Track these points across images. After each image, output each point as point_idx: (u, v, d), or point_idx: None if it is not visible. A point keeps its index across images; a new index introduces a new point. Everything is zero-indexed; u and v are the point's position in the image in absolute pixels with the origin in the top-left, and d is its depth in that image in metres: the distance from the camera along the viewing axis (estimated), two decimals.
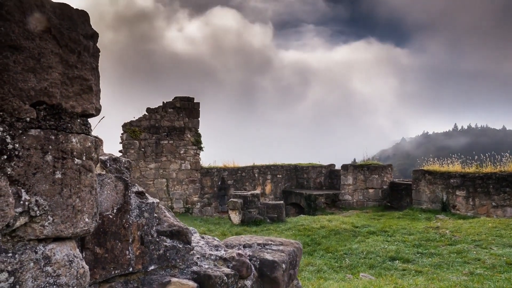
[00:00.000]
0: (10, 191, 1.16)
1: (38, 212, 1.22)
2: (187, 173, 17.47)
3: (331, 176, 19.95)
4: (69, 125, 1.36)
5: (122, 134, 16.75)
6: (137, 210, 2.08)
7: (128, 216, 2.00)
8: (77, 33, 1.39)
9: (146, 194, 2.22)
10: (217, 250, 2.62)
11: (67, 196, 1.31)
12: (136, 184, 2.20)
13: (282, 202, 13.45)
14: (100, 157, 2.02)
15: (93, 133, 1.58)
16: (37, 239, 1.24)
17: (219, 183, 18.35)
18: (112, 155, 2.12)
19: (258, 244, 3.12)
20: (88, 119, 1.50)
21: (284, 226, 11.38)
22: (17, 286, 1.15)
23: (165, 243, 2.18)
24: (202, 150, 17.84)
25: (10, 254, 1.16)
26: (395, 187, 16.99)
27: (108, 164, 2.02)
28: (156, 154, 16.92)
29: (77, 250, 1.39)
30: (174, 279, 2.06)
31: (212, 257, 2.45)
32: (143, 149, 16.76)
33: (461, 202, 13.84)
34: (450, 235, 9.73)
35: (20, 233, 1.20)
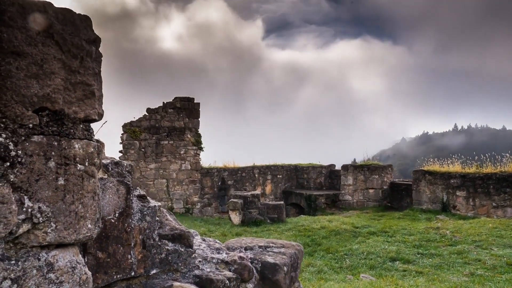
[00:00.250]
0: (13, 198, 1.15)
1: (41, 218, 1.22)
2: (187, 174, 17.47)
3: (331, 176, 19.95)
4: (72, 130, 1.35)
5: (122, 134, 16.74)
6: (139, 214, 2.07)
7: (130, 220, 2.00)
8: (79, 38, 1.39)
9: (148, 197, 2.22)
10: (218, 253, 2.62)
11: (69, 202, 1.30)
12: (138, 188, 2.20)
13: (282, 202, 13.45)
14: (102, 161, 2.01)
15: (95, 136, 1.57)
16: (40, 246, 1.24)
17: (219, 183, 18.35)
18: (114, 158, 2.11)
19: (260, 247, 3.12)
20: (91, 124, 1.49)
21: (284, 227, 11.37)
22: None
23: (167, 247, 2.17)
24: (202, 151, 17.84)
25: (13, 262, 1.16)
26: (395, 188, 17.00)
27: (110, 168, 2.01)
28: (156, 155, 16.91)
29: (80, 256, 1.39)
30: (176, 283, 2.06)
31: (214, 260, 2.45)
32: (143, 150, 16.75)
33: (462, 203, 13.84)
34: (451, 236, 9.73)
35: (23, 240, 1.20)
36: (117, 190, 1.96)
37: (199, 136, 17.69)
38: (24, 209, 1.18)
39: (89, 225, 1.37)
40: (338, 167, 19.69)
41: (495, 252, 8.16)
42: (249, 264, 2.55)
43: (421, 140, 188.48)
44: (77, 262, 1.34)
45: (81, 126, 1.40)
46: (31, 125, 1.23)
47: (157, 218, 2.21)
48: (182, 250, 2.24)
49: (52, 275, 1.24)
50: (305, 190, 19.20)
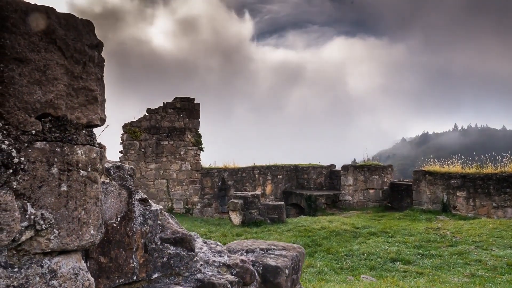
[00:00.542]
0: (16, 205, 1.15)
1: (43, 225, 1.21)
2: (188, 174, 17.47)
3: (331, 176, 19.94)
4: (75, 136, 1.35)
5: (122, 134, 16.74)
6: (141, 218, 2.07)
7: (132, 224, 1.99)
8: (82, 43, 1.38)
9: (149, 201, 2.21)
10: (220, 256, 2.61)
11: (72, 208, 1.30)
12: (140, 191, 2.19)
13: (282, 203, 13.45)
14: (104, 164, 2.01)
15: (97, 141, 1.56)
16: (42, 253, 1.23)
17: (220, 183, 18.34)
18: (116, 162, 2.11)
19: (261, 249, 3.11)
20: (93, 129, 1.49)
21: (284, 227, 11.37)
22: None
23: (168, 251, 2.17)
24: (203, 151, 17.84)
25: (16, 269, 1.15)
26: (396, 188, 17.00)
27: (111, 172, 2.01)
28: (157, 155, 16.91)
29: (83, 262, 1.38)
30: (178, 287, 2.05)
31: (216, 264, 2.44)
32: (143, 150, 16.75)
33: (462, 203, 13.84)
34: (451, 236, 9.73)
35: (25, 247, 1.19)
36: (119, 194, 1.96)
37: (199, 136, 17.69)
38: (27, 216, 1.18)
39: (92, 231, 1.37)
40: (338, 167, 19.69)
41: (496, 252, 8.16)
42: (251, 267, 2.54)
43: (421, 140, 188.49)
44: (79, 268, 1.33)
45: (83, 131, 1.39)
46: (34, 132, 1.23)
47: (158, 222, 2.20)
48: (184, 253, 2.23)
49: (55, 282, 1.23)
50: (305, 191, 19.20)
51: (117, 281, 1.85)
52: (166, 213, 2.42)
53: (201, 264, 2.37)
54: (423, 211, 14.41)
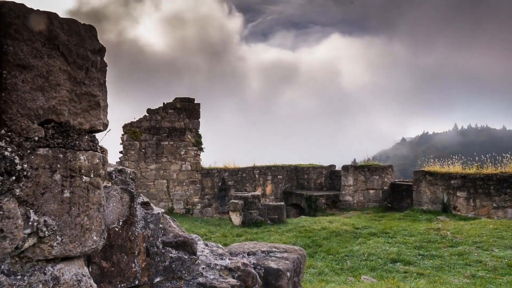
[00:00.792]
0: (19, 212, 1.14)
1: (46, 232, 1.21)
2: (188, 174, 17.46)
3: (331, 176, 19.94)
4: (77, 142, 1.34)
5: (122, 135, 16.74)
6: (143, 222, 2.06)
7: (134, 228, 1.99)
8: (84, 48, 1.38)
9: (151, 204, 2.21)
10: (221, 259, 2.61)
11: (75, 215, 1.30)
12: (141, 195, 2.19)
13: (283, 203, 13.44)
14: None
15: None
16: (45, 260, 1.23)
17: (220, 184, 18.34)
18: (118, 166, 2.11)
19: (262, 252, 3.11)
20: (96, 135, 1.48)
21: (285, 228, 11.36)
22: None
23: (170, 254, 2.16)
24: (203, 151, 17.84)
25: (19, 277, 1.15)
26: (396, 188, 16.99)
27: (113, 176, 2.00)
28: (157, 155, 16.91)
29: (85, 268, 1.38)
30: None
31: (218, 267, 2.44)
32: (143, 150, 16.74)
33: (462, 203, 13.84)
34: (451, 237, 9.72)
35: (28, 254, 1.19)
36: (121, 198, 1.95)
37: (199, 136, 17.69)
38: (30, 223, 1.17)
39: (95, 237, 1.37)
40: (338, 167, 19.69)
41: (496, 253, 8.16)
42: (253, 270, 2.54)
43: (421, 140, 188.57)
44: (82, 274, 1.33)
45: (86, 137, 1.39)
46: (36, 138, 1.22)
47: (160, 225, 2.20)
48: (186, 257, 2.23)
49: None
50: (305, 191, 19.20)
51: (119, 286, 1.84)
52: (168, 216, 2.41)
53: (203, 268, 2.36)
54: (423, 211, 14.41)
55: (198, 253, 2.50)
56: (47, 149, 1.24)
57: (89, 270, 1.66)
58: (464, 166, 15.35)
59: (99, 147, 1.47)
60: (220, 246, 3.01)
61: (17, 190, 1.15)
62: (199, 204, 17.65)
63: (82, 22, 1.42)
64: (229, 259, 2.63)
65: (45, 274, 1.21)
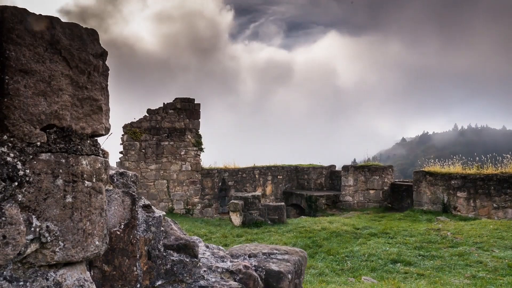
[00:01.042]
0: (21, 218, 1.14)
1: (49, 238, 1.20)
2: (188, 174, 17.46)
3: (331, 177, 19.94)
4: (79, 147, 1.34)
5: (122, 135, 16.73)
6: (144, 225, 2.06)
7: (136, 232, 1.98)
8: (86, 53, 1.37)
9: (152, 207, 2.20)
10: (223, 261, 2.61)
11: (77, 220, 1.29)
12: (143, 198, 2.18)
13: (283, 203, 13.44)
14: None
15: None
16: (48, 265, 1.22)
17: (220, 184, 18.33)
18: (119, 169, 2.10)
19: (263, 254, 3.11)
20: (98, 139, 1.48)
21: (285, 228, 11.36)
22: None
23: (172, 258, 2.16)
24: (203, 151, 17.83)
25: (21, 283, 1.15)
26: (396, 188, 16.99)
27: (115, 179, 2.00)
28: (157, 155, 16.90)
29: (87, 273, 1.38)
30: None
31: (219, 270, 2.44)
32: (143, 150, 16.74)
33: (462, 204, 13.84)
34: (452, 237, 9.72)
35: (31, 259, 1.18)
36: (123, 201, 1.95)
37: (199, 137, 17.68)
38: (32, 229, 1.17)
39: (97, 242, 1.36)
40: (338, 167, 19.69)
41: (497, 254, 8.16)
42: (254, 273, 2.53)
43: (421, 140, 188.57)
44: (84, 280, 1.32)
45: (88, 142, 1.38)
46: (39, 143, 1.22)
47: (162, 228, 2.20)
48: (187, 260, 2.23)
49: None
50: (305, 191, 19.20)
51: None
52: (169, 219, 2.41)
53: (204, 271, 2.36)
54: (423, 211, 14.41)
55: (199, 256, 2.50)
56: (49, 154, 1.24)
57: (91, 274, 1.66)
58: (464, 166, 15.35)
59: (101, 152, 1.47)
60: (221, 248, 3.01)
61: (20, 196, 1.15)
62: (199, 205, 17.65)
63: (84, 26, 1.41)
64: (230, 261, 2.63)
65: (47, 279, 1.21)
